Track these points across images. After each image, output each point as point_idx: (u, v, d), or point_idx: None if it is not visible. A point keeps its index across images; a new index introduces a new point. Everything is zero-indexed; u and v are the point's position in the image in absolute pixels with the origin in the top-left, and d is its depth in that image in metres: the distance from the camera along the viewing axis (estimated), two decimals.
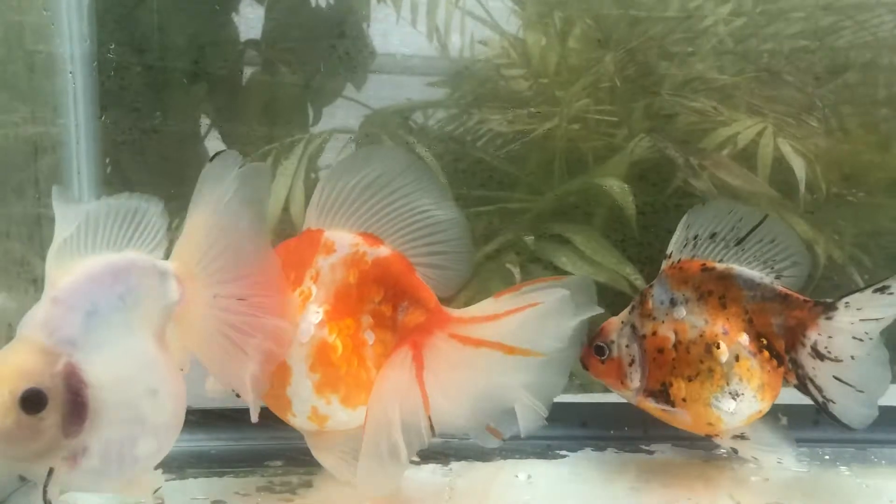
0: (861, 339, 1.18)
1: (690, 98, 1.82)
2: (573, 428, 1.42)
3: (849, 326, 1.18)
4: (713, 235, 1.25)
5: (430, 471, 1.26)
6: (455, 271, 1.17)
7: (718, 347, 1.22)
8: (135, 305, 1.00)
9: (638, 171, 1.76)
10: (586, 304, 1.15)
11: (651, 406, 1.27)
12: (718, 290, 1.24)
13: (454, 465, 1.31)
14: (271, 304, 1.06)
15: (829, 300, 1.21)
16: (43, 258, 1.00)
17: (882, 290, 1.17)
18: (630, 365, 1.26)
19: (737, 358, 1.22)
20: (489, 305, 1.13)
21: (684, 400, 1.23)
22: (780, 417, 1.32)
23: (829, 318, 1.19)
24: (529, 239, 1.76)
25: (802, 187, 1.71)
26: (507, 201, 1.82)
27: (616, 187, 1.69)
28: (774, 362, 1.23)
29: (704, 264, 1.25)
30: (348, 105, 1.85)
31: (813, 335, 1.20)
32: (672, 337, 1.24)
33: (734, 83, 1.84)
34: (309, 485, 1.20)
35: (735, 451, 1.29)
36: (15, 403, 0.91)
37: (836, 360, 1.19)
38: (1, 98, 1.36)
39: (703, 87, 1.84)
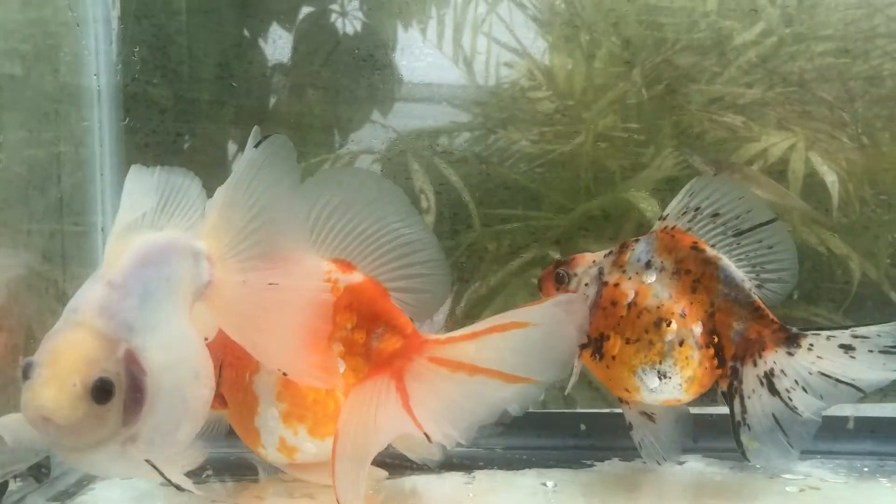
0: (810, 394, 1.16)
1: (719, 114, 1.83)
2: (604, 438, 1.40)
3: (805, 374, 1.16)
4: (715, 215, 1.23)
5: (452, 479, 1.24)
6: (431, 294, 1.14)
7: (669, 325, 1.20)
8: (178, 287, 1.00)
9: (666, 187, 1.76)
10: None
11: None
12: (696, 272, 1.21)
13: (477, 473, 1.30)
14: (302, 284, 1.04)
15: (794, 330, 1.18)
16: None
17: (846, 348, 1.14)
18: None
19: (681, 342, 1.20)
20: (468, 328, 1.10)
21: (613, 357, 1.22)
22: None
23: (790, 354, 1.17)
24: (555, 254, 1.77)
25: (835, 201, 1.69)
26: (533, 219, 1.83)
27: (643, 202, 1.69)
28: (715, 362, 1.20)
29: (696, 243, 1.23)
30: (374, 128, 1.89)
31: (770, 361, 1.17)
32: (631, 295, 1.22)
33: (764, 100, 1.84)
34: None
35: (630, 426, 1.27)
36: (87, 394, 0.88)
37: (787, 403, 1.16)
38: (28, 125, 1.40)
39: (732, 103, 1.85)
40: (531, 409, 1.61)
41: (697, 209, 1.23)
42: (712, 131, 1.84)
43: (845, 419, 1.36)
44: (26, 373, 0.89)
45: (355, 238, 1.12)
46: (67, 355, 0.89)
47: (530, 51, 1.87)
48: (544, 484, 1.25)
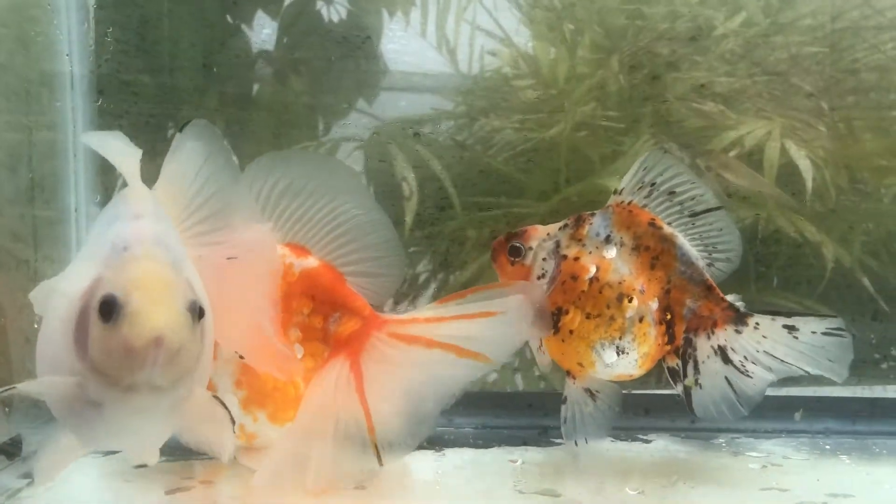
0: (759, 367, 1.21)
1: (699, 102, 1.85)
2: None
3: (752, 351, 1.21)
4: (672, 193, 1.25)
5: (422, 456, 1.27)
6: (387, 277, 1.14)
7: (630, 301, 1.22)
8: None
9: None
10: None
11: None
12: (655, 249, 1.24)
13: (447, 451, 1.33)
14: (258, 256, 1.04)
15: (741, 309, 1.23)
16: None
17: (791, 328, 1.20)
18: (539, 277, 1.25)
19: (640, 318, 1.22)
20: (432, 310, 1.11)
21: (571, 332, 1.22)
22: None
23: (738, 332, 1.22)
24: None
25: (809, 187, 1.72)
26: (514, 207, 1.85)
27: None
28: (665, 339, 1.24)
29: (653, 220, 1.25)
30: (357, 115, 1.91)
31: (721, 337, 1.22)
32: (592, 270, 1.23)
33: (742, 88, 1.87)
34: None
35: (565, 399, 1.27)
36: (188, 312, 0.86)
37: (739, 369, 1.22)
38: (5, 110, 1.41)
39: (711, 91, 1.87)
40: (502, 389, 1.65)
41: (653, 185, 1.25)
42: (691, 119, 1.86)
43: (806, 399, 1.39)
44: (109, 308, 0.84)
45: (308, 221, 1.11)
46: (153, 282, 0.86)
47: (514, 39, 1.89)
48: (512, 461, 1.28)
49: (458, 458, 1.30)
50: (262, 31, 1.87)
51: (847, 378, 1.61)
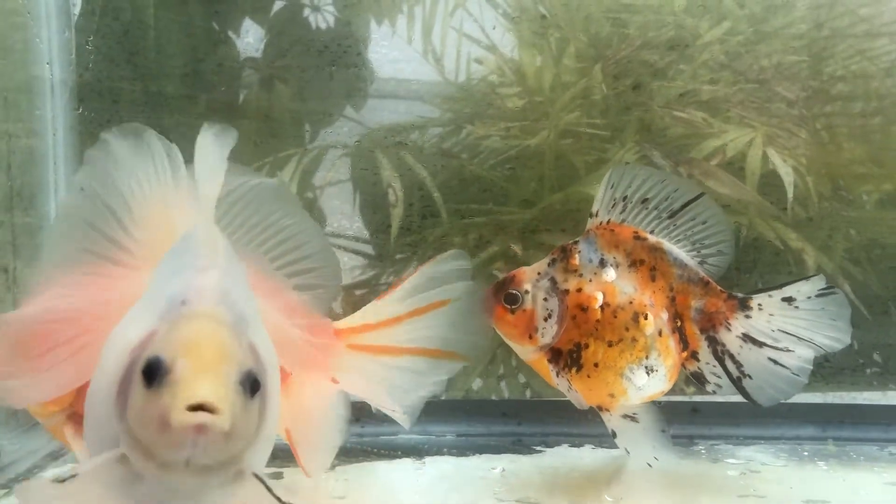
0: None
1: (682, 111, 1.86)
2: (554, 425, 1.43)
3: (769, 332, 1.24)
4: (645, 201, 1.24)
5: (403, 464, 1.27)
6: (325, 288, 1.07)
7: (646, 318, 1.21)
8: None
9: None
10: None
11: (546, 367, 1.24)
12: (650, 261, 1.23)
13: (427, 459, 1.33)
14: None
15: (741, 295, 1.25)
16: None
17: (789, 300, 1.22)
18: (546, 319, 1.22)
19: (660, 332, 1.22)
20: (377, 310, 1.09)
21: (596, 365, 1.20)
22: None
23: (748, 317, 1.24)
24: (517, 248, 1.80)
25: (790, 195, 1.74)
26: (499, 214, 1.87)
27: None
28: (681, 346, 1.24)
29: (637, 232, 1.24)
30: (343, 122, 1.91)
31: (738, 327, 1.24)
32: (599, 297, 1.21)
33: (725, 96, 1.89)
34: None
35: (614, 434, 1.26)
36: (240, 387, 0.74)
37: (776, 347, 1.23)
38: None
39: (694, 100, 1.89)
40: (485, 397, 1.66)
41: (625, 198, 1.24)
42: (675, 127, 1.88)
43: (788, 406, 1.40)
44: (153, 371, 0.73)
45: (240, 238, 1.02)
46: (205, 346, 0.74)
47: (500, 47, 1.90)
48: (493, 469, 1.28)
49: (438, 467, 1.31)
50: (249, 39, 1.88)
51: (830, 383, 1.64)
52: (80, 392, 1.07)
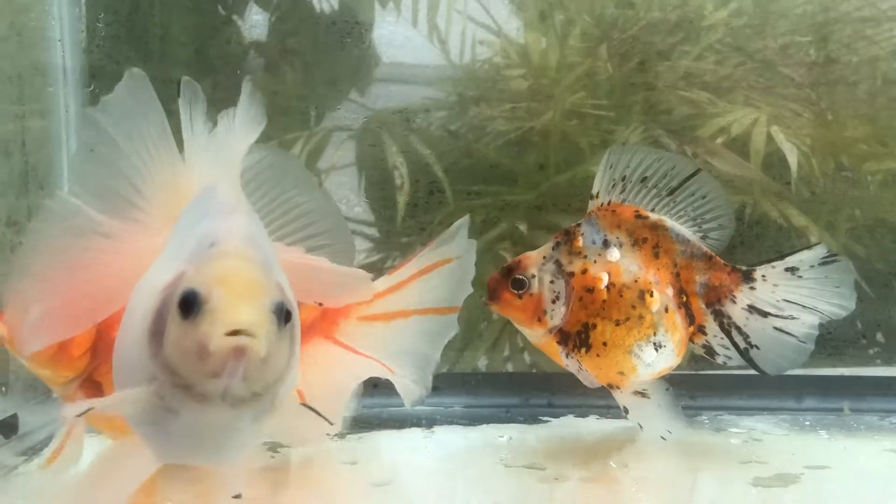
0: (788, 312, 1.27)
1: (687, 91, 1.90)
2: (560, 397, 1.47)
3: (773, 301, 1.27)
4: (644, 180, 1.26)
5: (412, 434, 1.32)
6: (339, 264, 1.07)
7: (652, 295, 1.24)
8: None
9: None
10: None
11: (556, 349, 1.27)
12: (652, 239, 1.27)
13: (436, 428, 1.38)
14: None
15: (744, 268, 1.28)
16: None
17: (792, 270, 1.26)
18: (553, 302, 1.25)
19: (666, 309, 1.25)
20: (386, 281, 1.13)
21: (605, 344, 1.23)
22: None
23: (752, 289, 1.27)
24: (523, 227, 1.84)
25: (794, 173, 1.77)
26: (505, 194, 1.90)
27: None
28: (687, 321, 1.28)
29: (638, 211, 1.27)
30: (349, 105, 1.95)
31: (743, 299, 1.27)
32: (605, 278, 1.24)
33: (731, 76, 1.92)
34: None
35: (626, 410, 1.30)
36: (275, 315, 0.77)
37: (781, 316, 1.26)
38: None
39: (700, 80, 1.92)
40: (492, 370, 1.71)
41: (624, 178, 1.27)
42: (680, 107, 1.91)
43: (796, 378, 1.44)
44: (189, 302, 0.76)
45: (257, 212, 1.01)
46: (239, 279, 0.78)
47: (505, 29, 1.93)
48: (500, 437, 1.33)
49: (446, 435, 1.35)
50: (254, 21, 1.91)
51: (834, 361, 1.68)
52: (95, 358, 1.12)
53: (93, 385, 1.13)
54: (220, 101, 1.83)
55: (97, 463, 0.97)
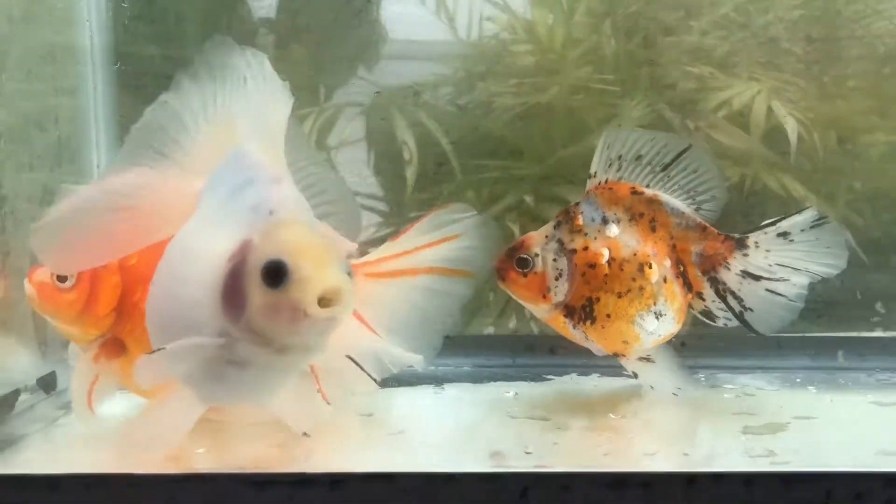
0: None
1: (691, 65, 1.98)
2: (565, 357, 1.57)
3: (766, 266, 1.36)
4: (639, 158, 1.35)
5: (423, 391, 1.43)
6: (345, 233, 1.15)
7: (650, 267, 1.33)
8: None
9: None
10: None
11: (562, 323, 1.37)
12: (648, 213, 1.36)
13: (446, 385, 1.50)
14: None
15: (737, 235, 1.38)
16: None
17: (784, 235, 1.35)
18: (557, 279, 1.35)
19: (664, 280, 1.34)
20: (394, 246, 1.20)
21: (608, 316, 1.33)
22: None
23: (745, 255, 1.36)
24: (530, 199, 1.94)
25: (793, 145, 1.86)
26: (511, 169, 2.00)
27: None
28: (685, 289, 1.37)
29: (633, 188, 1.36)
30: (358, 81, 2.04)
31: (736, 265, 1.37)
32: (605, 253, 1.33)
33: (734, 51, 2.00)
34: None
35: (635, 374, 1.40)
36: (348, 276, 0.89)
37: (772, 278, 1.36)
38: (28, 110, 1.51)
39: (703, 55, 2.00)
40: (499, 332, 1.82)
41: (620, 157, 1.36)
42: (684, 82, 2.00)
43: (790, 339, 1.54)
44: (277, 273, 0.87)
45: None
46: (313, 247, 0.89)
47: (512, 5, 2.01)
48: (507, 393, 1.44)
49: (456, 391, 1.47)
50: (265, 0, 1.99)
51: (834, 328, 1.77)
52: (120, 317, 1.23)
53: (116, 343, 1.24)
54: None
55: (144, 412, 1.10)
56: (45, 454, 1.24)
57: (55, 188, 1.15)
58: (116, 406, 1.32)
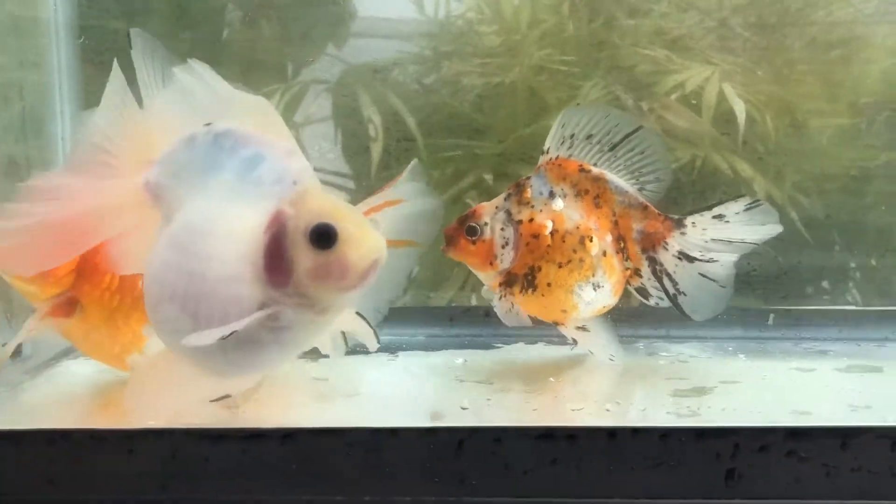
0: (717, 252, 1.46)
1: (648, 48, 2.08)
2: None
3: (702, 243, 1.46)
4: (589, 137, 1.45)
5: (377, 358, 1.53)
6: None
7: (591, 241, 1.43)
8: None
9: None
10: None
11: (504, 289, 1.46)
12: (594, 190, 1.46)
13: (400, 353, 1.60)
14: None
15: (676, 216, 1.48)
16: None
17: (720, 217, 1.46)
18: (503, 247, 1.45)
19: (604, 253, 1.45)
20: None
21: (549, 284, 1.43)
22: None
23: (683, 234, 1.47)
24: (489, 178, 2.04)
25: (742, 127, 1.97)
26: (475, 147, 2.09)
27: None
28: (624, 264, 1.48)
29: (581, 165, 1.46)
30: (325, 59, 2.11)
31: (674, 244, 1.47)
32: (549, 225, 1.43)
33: (691, 34, 2.10)
34: None
35: (574, 341, 1.49)
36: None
37: (705, 260, 1.46)
38: None
39: (661, 37, 2.10)
40: (450, 304, 1.92)
41: (572, 136, 1.46)
42: (642, 64, 2.10)
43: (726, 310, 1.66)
44: (328, 236, 0.95)
45: None
46: (348, 210, 0.99)
47: None
48: (457, 360, 1.55)
49: (409, 359, 1.57)
50: None
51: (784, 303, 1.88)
52: (80, 277, 1.30)
53: (71, 303, 1.30)
54: (200, 53, 2.00)
55: (140, 377, 1.17)
56: (8, 413, 1.32)
57: (20, 160, 1.20)
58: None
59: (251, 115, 1.03)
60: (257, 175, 1.00)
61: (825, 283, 2.08)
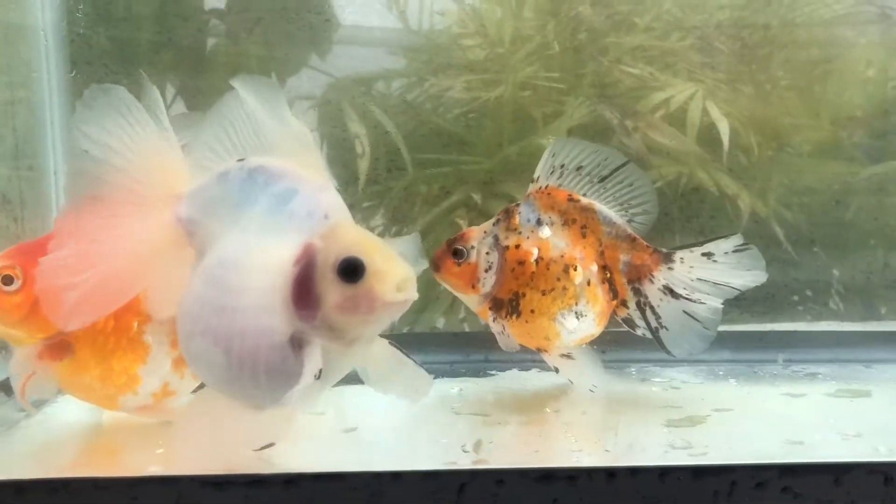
0: (702, 293, 1.47)
1: (632, 65, 2.10)
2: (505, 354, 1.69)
3: (688, 281, 1.48)
4: (579, 168, 1.48)
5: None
6: None
7: (575, 269, 1.45)
8: None
9: (579, 133, 2.05)
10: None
11: (488, 314, 1.49)
12: (581, 220, 1.47)
13: None
14: None
15: (665, 250, 1.50)
16: None
17: (708, 255, 1.47)
18: (486, 271, 1.46)
19: (588, 282, 1.46)
20: None
21: (532, 311, 1.45)
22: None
23: (670, 269, 1.48)
24: (477, 196, 2.05)
25: (726, 145, 2.00)
26: (461, 164, 2.10)
27: None
28: (611, 295, 1.50)
29: (570, 195, 1.48)
30: (311, 73, 2.11)
31: (661, 278, 1.48)
32: (535, 252, 1.45)
33: (672, 51, 2.12)
34: None
35: (556, 370, 1.51)
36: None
37: (690, 299, 1.47)
38: None
39: (644, 55, 2.12)
40: (446, 329, 1.93)
41: (563, 166, 1.49)
42: (625, 81, 2.11)
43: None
44: (355, 270, 0.96)
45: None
46: (377, 244, 1.00)
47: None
48: (452, 389, 1.56)
49: None
50: None
51: (769, 318, 1.91)
52: None
53: (63, 346, 1.30)
54: (182, 70, 1.98)
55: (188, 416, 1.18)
56: (8, 457, 1.32)
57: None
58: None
59: (288, 148, 1.04)
60: (289, 209, 1.02)
61: (811, 303, 2.12)
